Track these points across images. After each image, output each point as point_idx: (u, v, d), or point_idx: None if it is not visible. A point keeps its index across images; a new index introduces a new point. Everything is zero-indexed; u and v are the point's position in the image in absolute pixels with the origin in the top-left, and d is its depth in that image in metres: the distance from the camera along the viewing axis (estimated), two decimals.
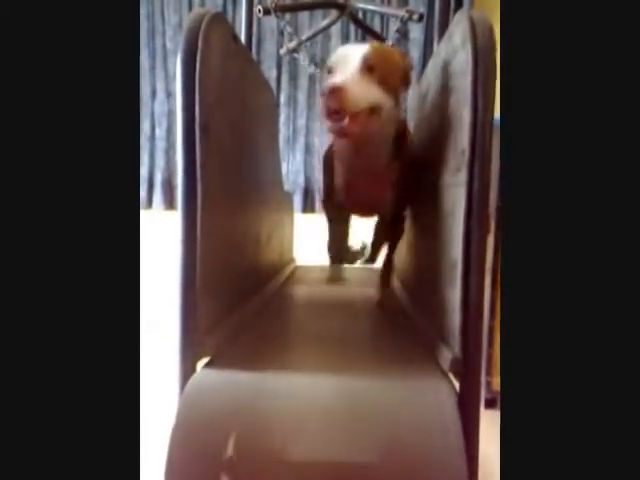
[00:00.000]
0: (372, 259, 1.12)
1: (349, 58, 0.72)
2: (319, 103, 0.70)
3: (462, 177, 0.64)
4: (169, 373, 0.69)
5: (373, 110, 0.72)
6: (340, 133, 0.71)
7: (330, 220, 1.00)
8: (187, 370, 0.66)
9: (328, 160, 0.92)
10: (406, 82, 0.80)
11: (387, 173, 0.85)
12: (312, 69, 1.34)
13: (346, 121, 0.68)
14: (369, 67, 0.70)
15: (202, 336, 0.67)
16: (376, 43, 0.77)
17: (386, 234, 1.02)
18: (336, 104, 0.67)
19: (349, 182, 0.87)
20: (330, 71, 0.73)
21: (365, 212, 0.99)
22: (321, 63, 1.52)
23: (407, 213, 1.01)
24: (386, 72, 0.73)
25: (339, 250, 1.02)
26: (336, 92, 0.66)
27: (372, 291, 1.16)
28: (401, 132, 0.84)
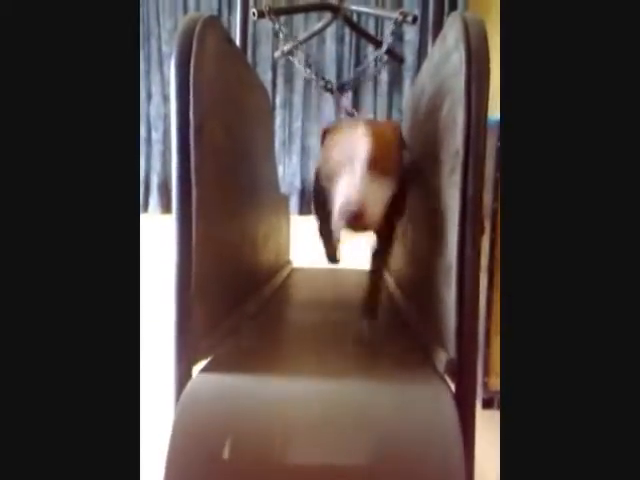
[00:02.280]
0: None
1: (354, 158, 0.70)
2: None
3: (456, 178, 0.64)
4: (165, 377, 0.68)
5: (384, 205, 0.73)
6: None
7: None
8: (183, 374, 0.66)
9: (318, 190, 0.92)
10: (401, 146, 0.80)
11: None
12: (307, 73, 1.34)
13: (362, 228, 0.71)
14: (373, 164, 0.69)
15: (198, 340, 0.67)
16: (368, 127, 0.73)
17: (382, 243, 1.00)
18: (359, 224, 0.69)
19: None
20: (335, 170, 0.72)
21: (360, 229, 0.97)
22: (315, 67, 1.52)
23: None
24: (387, 158, 0.72)
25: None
26: (357, 216, 0.67)
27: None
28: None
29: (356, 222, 0.68)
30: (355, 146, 0.71)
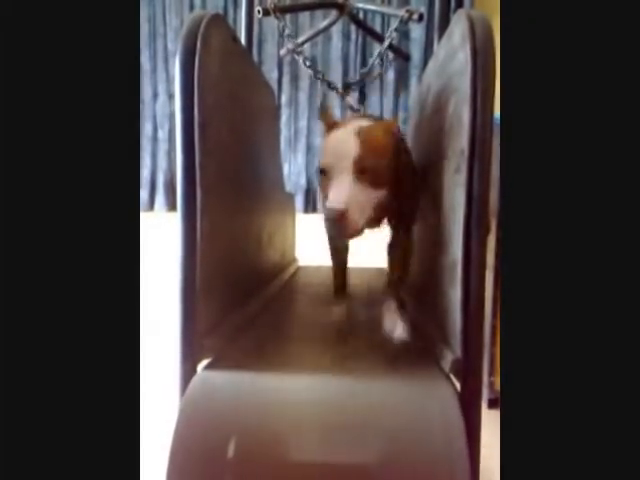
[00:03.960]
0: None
1: (340, 162, 0.72)
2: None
3: (462, 177, 0.63)
4: (170, 375, 0.69)
5: (369, 211, 0.74)
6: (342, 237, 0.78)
7: (332, 249, 1.00)
8: (188, 372, 0.66)
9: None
10: (398, 148, 0.80)
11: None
12: (310, 72, 1.33)
13: (346, 234, 0.73)
14: (361, 170, 0.71)
15: (203, 338, 0.67)
16: (363, 130, 0.74)
17: (397, 248, 0.99)
18: (342, 227, 0.71)
19: None
20: (325, 172, 0.74)
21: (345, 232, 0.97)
22: (314, 65, 1.51)
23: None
24: (378, 166, 0.73)
25: (340, 283, 1.02)
26: (340, 218, 0.70)
27: (373, 292, 1.16)
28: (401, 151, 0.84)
29: (340, 223, 0.70)
30: (345, 149, 0.72)
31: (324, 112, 0.82)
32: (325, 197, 0.74)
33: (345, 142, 0.73)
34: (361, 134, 0.73)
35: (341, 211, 0.69)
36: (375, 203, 0.74)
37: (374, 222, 0.88)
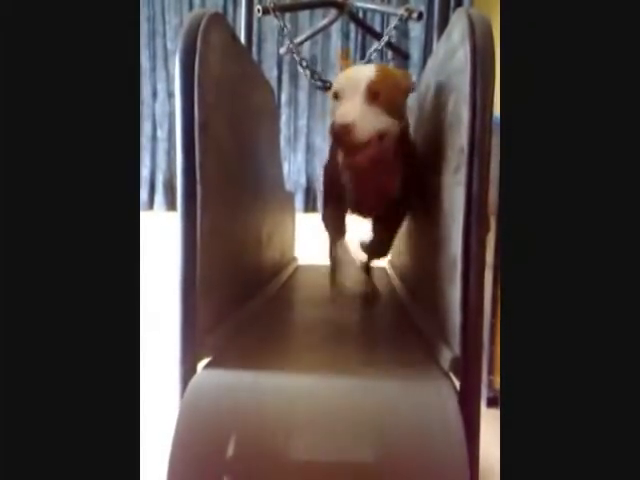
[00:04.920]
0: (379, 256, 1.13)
1: (355, 84, 0.75)
2: (327, 130, 0.75)
3: (461, 176, 0.64)
4: (169, 374, 0.69)
5: (381, 137, 0.77)
6: (351, 166, 0.80)
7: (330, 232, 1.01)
8: (188, 371, 0.66)
9: (329, 172, 0.95)
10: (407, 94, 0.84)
11: (393, 166, 0.87)
12: (306, 72, 1.33)
13: (354, 151, 0.74)
14: (375, 94, 0.74)
15: (203, 337, 0.67)
16: (380, 65, 0.79)
17: (385, 228, 1.02)
18: (347, 140, 0.72)
19: (357, 178, 0.90)
20: (336, 96, 0.76)
21: (371, 206, 0.99)
22: (312, 64, 1.52)
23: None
24: (391, 95, 0.77)
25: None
26: (346, 129, 0.70)
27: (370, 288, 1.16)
28: (404, 130, 0.86)
29: (344, 135, 0.71)
30: (361, 74, 0.76)
31: (344, 50, 0.88)
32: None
33: (362, 69, 0.77)
34: (380, 67, 0.77)
35: (346, 123, 0.70)
36: (384, 129, 0.75)
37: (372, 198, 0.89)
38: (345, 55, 0.81)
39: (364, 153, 0.74)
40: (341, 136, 0.71)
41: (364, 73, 0.76)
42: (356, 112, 0.72)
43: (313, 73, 1.33)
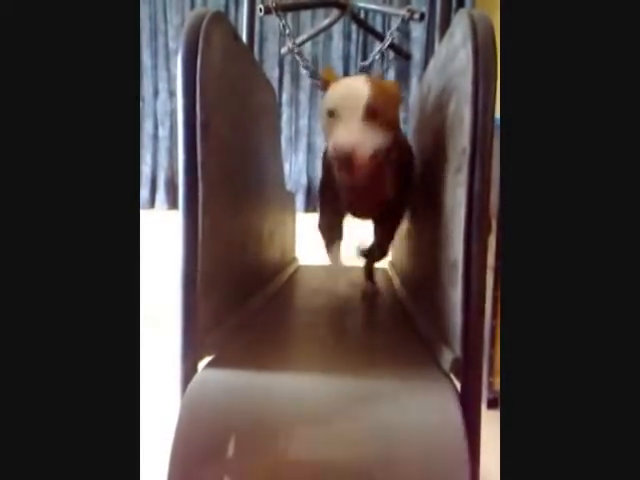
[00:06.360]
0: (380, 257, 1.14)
1: (352, 104, 0.74)
2: (325, 132, 0.76)
3: (463, 177, 0.63)
4: (170, 373, 0.69)
5: (377, 154, 0.76)
6: (349, 183, 0.82)
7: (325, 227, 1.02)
8: (188, 370, 0.66)
9: (324, 181, 0.98)
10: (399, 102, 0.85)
11: (385, 172, 0.88)
12: (308, 74, 1.34)
13: (354, 174, 0.74)
14: (373, 113, 0.73)
15: (203, 336, 0.67)
16: (371, 79, 0.77)
17: (383, 230, 1.03)
18: (349, 164, 0.72)
19: (351, 188, 0.91)
20: (333, 115, 0.75)
21: (366, 210, 1.00)
22: (314, 66, 1.52)
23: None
24: (387, 111, 0.76)
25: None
26: (348, 155, 0.71)
27: (373, 290, 1.16)
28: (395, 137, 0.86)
29: (347, 161, 0.71)
30: (357, 92, 0.75)
31: (327, 68, 0.86)
32: (331, 137, 0.74)
33: (356, 86, 0.76)
34: (371, 81, 0.76)
35: (350, 150, 0.70)
36: (382, 146, 0.75)
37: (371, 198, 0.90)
38: (327, 72, 0.81)
39: (362, 172, 0.74)
40: (343, 161, 0.71)
41: (360, 91, 0.74)
42: (357, 135, 0.72)
43: (314, 73, 1.33)
